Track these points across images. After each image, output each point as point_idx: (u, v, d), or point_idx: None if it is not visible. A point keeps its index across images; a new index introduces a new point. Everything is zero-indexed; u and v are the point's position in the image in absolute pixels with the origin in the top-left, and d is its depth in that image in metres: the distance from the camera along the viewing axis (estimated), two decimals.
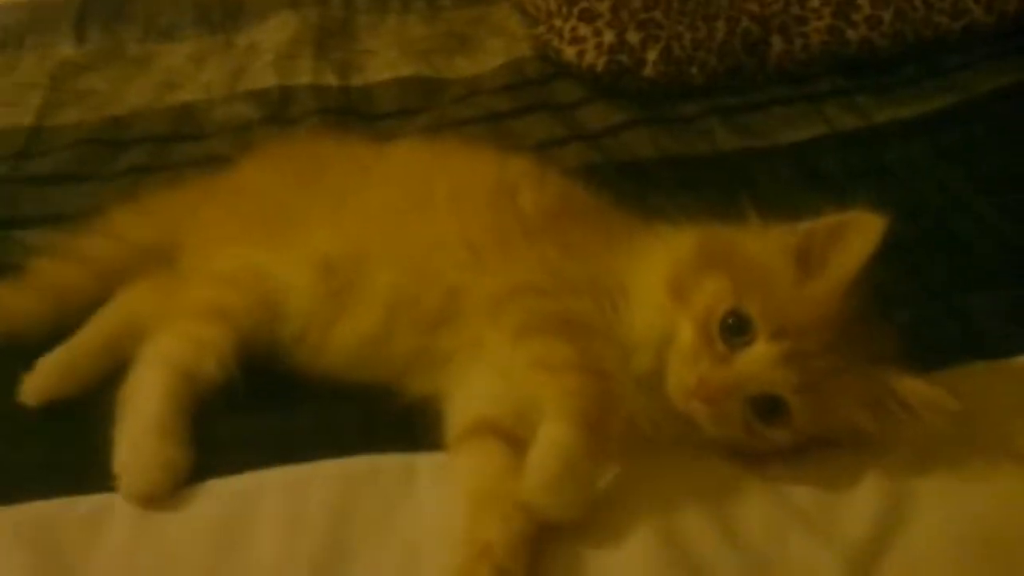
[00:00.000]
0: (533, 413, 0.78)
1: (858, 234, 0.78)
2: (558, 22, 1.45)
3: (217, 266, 0.95)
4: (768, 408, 0.77)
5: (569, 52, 1.42)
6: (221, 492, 0.80)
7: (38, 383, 0.89)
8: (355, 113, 1.43)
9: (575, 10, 1.44)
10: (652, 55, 1.36)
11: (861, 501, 0.76)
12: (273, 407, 0.87)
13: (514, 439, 0.80)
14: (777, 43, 1.37)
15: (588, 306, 0.82)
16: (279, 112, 1.43)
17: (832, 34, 1.37)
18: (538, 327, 0.81)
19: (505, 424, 0.82)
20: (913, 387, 0.77)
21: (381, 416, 0.86)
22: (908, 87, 1.34)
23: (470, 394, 0.84)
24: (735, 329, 0.77)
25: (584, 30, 1.41)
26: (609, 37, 1.39)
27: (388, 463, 0.82)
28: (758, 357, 0.76)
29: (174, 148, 1.35)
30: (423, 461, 0.82)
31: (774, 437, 0.77)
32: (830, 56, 1.38)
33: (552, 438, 0.74)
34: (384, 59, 1.56)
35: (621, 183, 1.12)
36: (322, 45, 1.59)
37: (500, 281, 0.85)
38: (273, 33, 1.63)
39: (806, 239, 0.80)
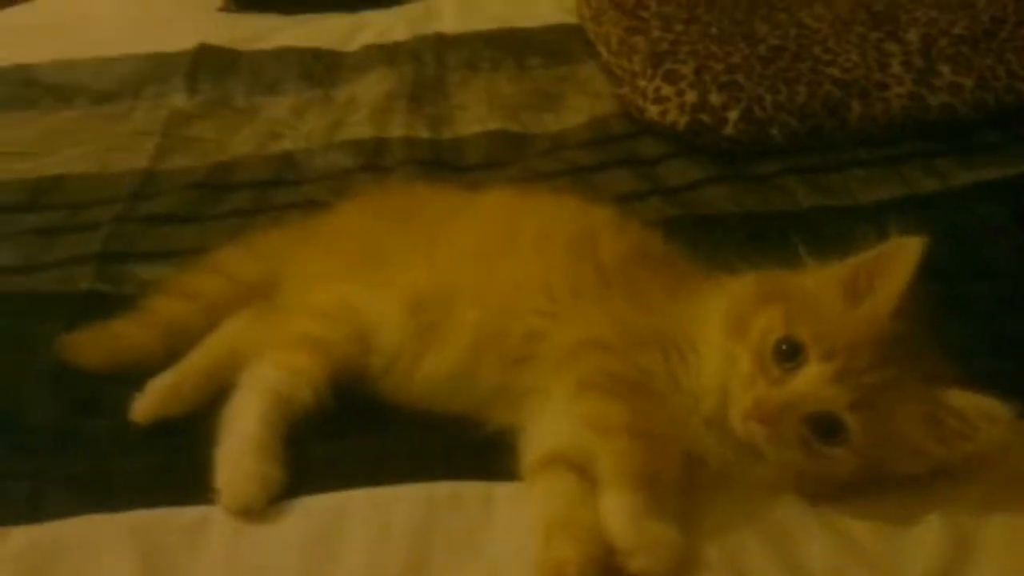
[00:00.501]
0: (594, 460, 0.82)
1: (899, 258, 0.82)
2: (642, 82, 1.50)
3: (314, 300, 1.01)
4: (825, 427, 0.80)
5: (652, 111, 1.47)
6: (312, 509, 0.85)
7: (147, 403, 0.96)
8: (445, 164, 1.49)
9: (659, 72, 1.49)
10: (733, 115, 1.40)
11: (924, 543, 0.78)
12: (362, 432, 0.92)
13: (584, 471, 0.83)
14: (857, 107, 1.40)
15: (654, 359, 0.86)
16: (374, 161, 1.50)
17: (913, 99, 1.39)
18: (596, 385, 0.86)
19: (575, 459, 0.85)
20: (965, 399, 0.80)
21: (463, 445, 0.90)
22: (988, 152, 1.35)
23: (544, 429, 0.88)
24: (788, 354, 0.81)
25: (667, 90, 1.46)
26: (692, 97, 1.43)
27: (469, 490, 0.86)
28: (810, 376, 0.80)
29: (275, 193, 1.43)
30: (501, 489, 0.86)
31: (833, 456, 0.80)
32: (911, 120, 1.40)
33: (608, 507, 0.78)
34: (474, 114, 1.62)
35: (699, 236, 1.15)
36: (416, 100, 1.67)
37: (570, 334, 0.90)
38: (370, 88, 1.72)
39: (853, 270, 0.84)
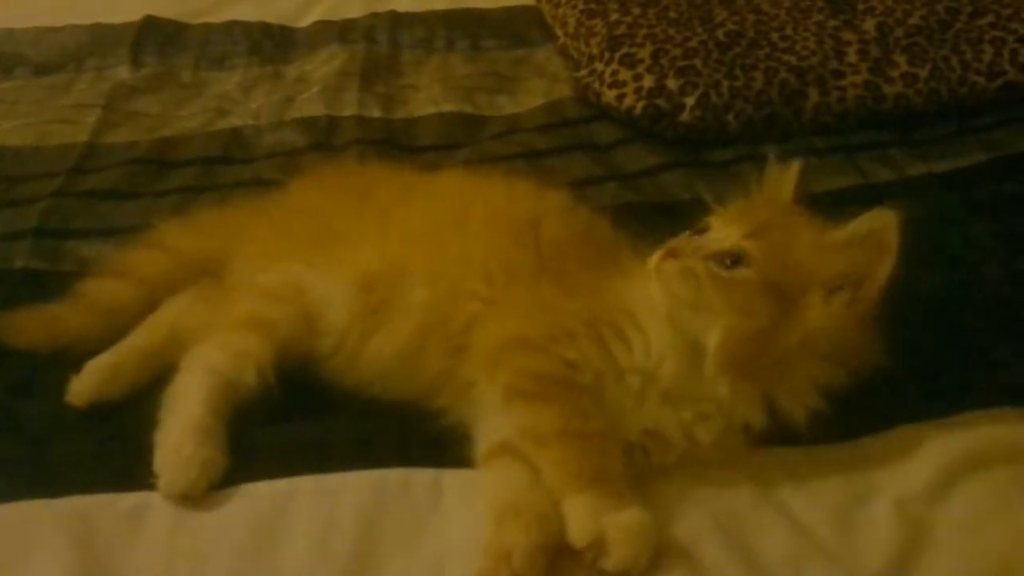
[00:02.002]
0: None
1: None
2: (599, 66, 1.49)
3: (261, 280, 0.99)
4: (729, 259, 0.84)
5: (609, 95, 1.45)
6: (255, 495, 0.83)
7: (85, 385, 0.92)
8: (397, 145, 1.46)
9: (617, 55, 1.47)
10: (690, 101, 1.39)
11: (878, 533, 0.77)
12: (309, 418, 0.90)
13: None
14: (813, 95, 1.39)
15: (585, 349, 0.86)
16: (325, 140, 1.47)
17: (868, 89, 1.39)
18: (524, 392, 0.85)
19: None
20: (857, 220, 0.86)
21: (413, 432, 0.88)
22: (943, 143, 1.35)
23: (493, 419, 0.87)
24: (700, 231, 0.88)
25: (625, 75, 1.45)
26: (649, 82, 1.42)
27: (418, 477, 0.84)
28: (712, 234, 0.87)
29: (222, 170, 1.39)
30: (451, 477, 0.84)
31: (740, 276, 0.84)
32: (866, 110, 1.40)
33: (567, 513, 0.77)
34: (427, 95, 1.60)
35: (654, 222, 1.14)
36: (368, 78, 1.63)
37: (495, 332, 0.89)
38: (321, 65, 1.68)
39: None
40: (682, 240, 0.88)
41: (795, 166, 0.92)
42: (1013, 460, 0.82)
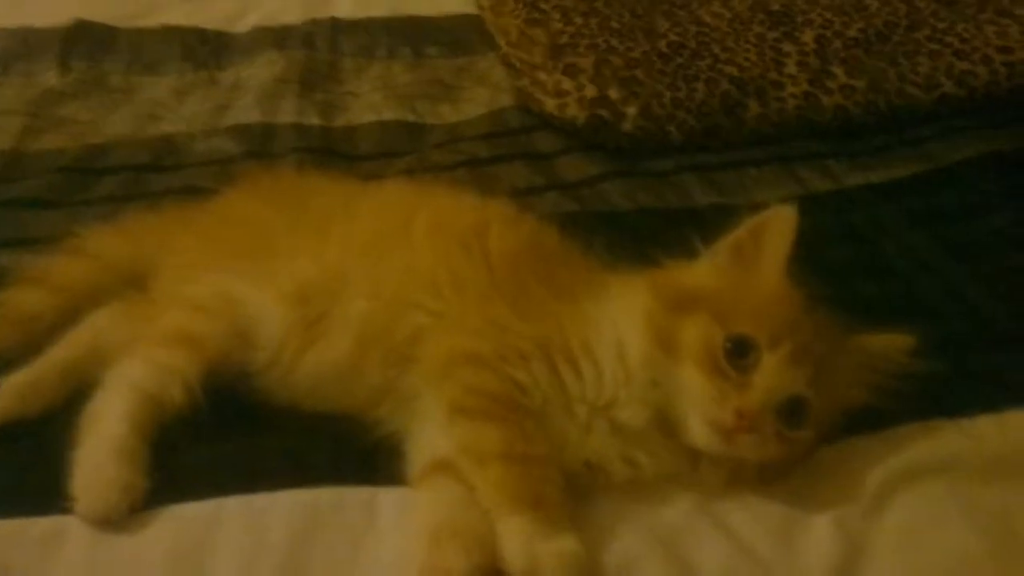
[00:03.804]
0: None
1: (777, 224, 0.85)
2: (542, 75, 1.48)
3: (190, 292, 0.95)
4: (793, 411, 0.80)
5: (551, 104, 1.44)
6: (179, 518, 0.79)
7: (1, 402, 0.88)
8: (336, 153, 1.44)
9: (559, 65, 1.46)
10: (632, 111, 1.38)
11: (816, 545, 0.77)
12: (238, 435, 0.87)
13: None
14: (754, 106, 1.40)
15: (535, 372, 0.84)
16: (260, 148, 1.43)
17: (807, 100, 1.40)
18: (468, 409, 0.83)
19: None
20: (873, 340, 0.86)
21: (347, 449, 0.86)
22: (880, 154, 1.36)
23: (431, 435, 0.84)
24: (738, 352, 0.80)
25: (567, 84, 1.44)
26: (591, 92, 1.41)
27: (352, 496, 0.81)
28: (774, 366, 0.79)
29: (152, 178, 1.35)
30: (387, 496, 0.82)
31: (804, 437, 0.81)
32: (805, 121, 1.40)
33: (502, 534, 0.75)
34: (367, 102, 1.57)
35: (596, 232, 1.13)
36: (307, 85, 1.60)
37: (444, 344, 0.87)
38: (258, 71, 1.64)
39: (735, 249, 0.86)
40: (745, 397, 0.78)
41: (791, 214, 0.86)
42: (947, 471, 0.82)
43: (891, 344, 0.86)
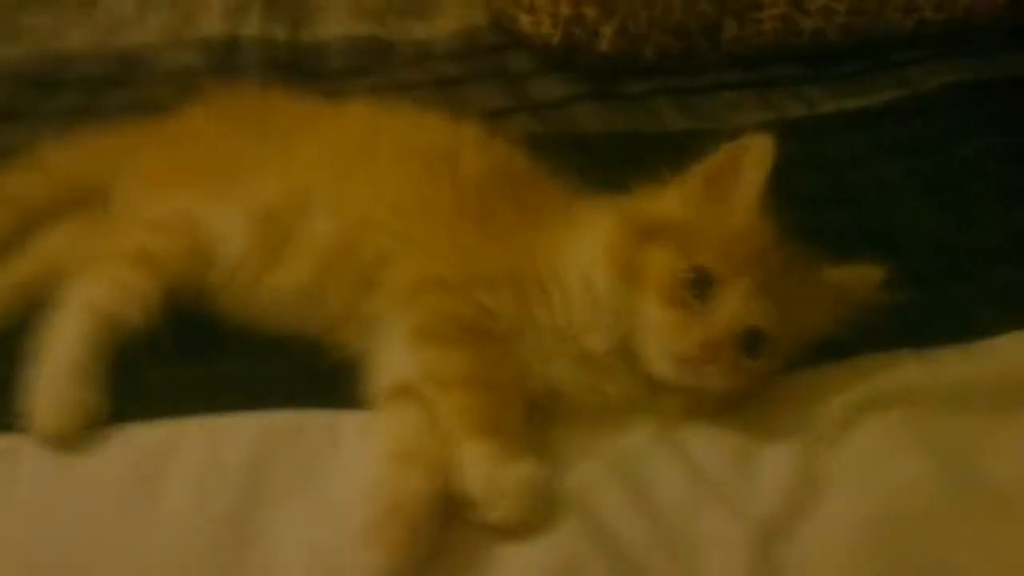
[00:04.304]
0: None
1: (752, 155, 0.83)
2: None
3: (151, 210, 0.93)
4: (753, 342, 0.79)
5: (525, 21, 1.41)
6: (135, 438, 0.79)
7: None
8: (302, 69, 1.41)
9: None
10: (607, 30, 1.35)
11: (773, 477, 0.77)
12: (197, 356, 0.86)
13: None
14: (731, 27, 1.37)
15: (502, 298, 0.83)
16: (224, 62, 1.40)
17: (785, 22, 1.37)
18: (433, 332, 0.82)
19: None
20: (841, 272, 0.85)
21: (309, 372, 0.85)
22: (856, 80, 1.34)
23: (393, 359, 0.83)
24: (699, 284, 0.79)
25: (541, 1, 1.40)
26: (566, 9, 1.37)
27: (312, 420, 0.81)
28: (735, 298, 0.79)
29: (113, 92, 1.32)
30: (348, 419, 0.81)
31: (763, 367, 0.80)
32: (782, 44, 1.38)
33: (461, 461, 0.75)
34: (336, 15, 1.53)
35: (566, 156, 1.11)
36: None
37: (410, 268, 0.85)
38: None
39: (707, 179, 0.84)
40: (709, 328, 0.78)
41: (766, 143, 0.83)
42: (908, 402, 0.82)
43: (859, 277, 0.85)
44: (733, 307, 0.78)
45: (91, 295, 0.86)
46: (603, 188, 0.93)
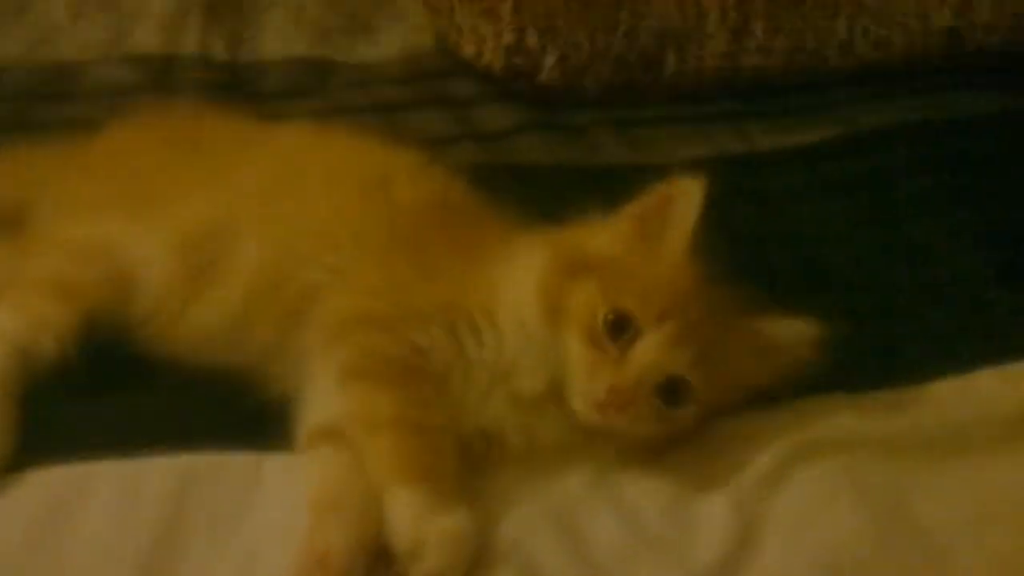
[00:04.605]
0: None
1: (682, 199, 0.82)
2: (459, 17, 1.42)
3: (68, 235, 0.90)
4: (673, 390, 0.78)
5: (468, 48, 1.40)
6: (45, 482, 0.75)
7: None
8: (241, 89, 1.37)
9: (477, 7, 1.41)
10: (550, 60, 1.34)
11: (710, 526, 0.76)
12: (114, 393, 0.83)
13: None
14: (672, 61, 1.37)
15: (434, 336, 0.81)
16: (160, 80, 1.37)
17: (726, 58, 1.38)
18: (362, 372, 0.79)
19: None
20: (778, 325, 0.83)
21: (232, 411, 0.82)
22: (795, 116, 1.34)
23: (321, 398, 0.81)
24: (619, 328, 0.78)
25: (485, 29, 1.39)
26: (508, 38, 1.36)
27: (234, 462, 0.78)
28: (652, 345, 0.77)
29: (40, 107, 1.28)
30: (271, 462, 0.78)
31: (685, 416, 0.79)
32: (723, 79, 1.38)
33: (387, 507, 0.72)
34: (278, 35, 1.50)
35: (509, 186, 1.10)
36: (213, 13, 1.51)
37: (339, 304, 0.83)
38: None
39: (639, 220, 0.83)
40: (619, 374, 0.76)
41: (697, 186, 0.82)
42: (843, 448, 0.81)
43: (796, 331, 0.83)
44: (649, 355, 0.77)
45: (3, 326, 0.82)
46: (545, 220, 0.91)
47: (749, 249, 1.07)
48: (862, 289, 1.05)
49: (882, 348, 0.95)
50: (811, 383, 0.86)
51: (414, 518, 0.71)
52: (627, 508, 0.77)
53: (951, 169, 1.21)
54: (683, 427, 0.80)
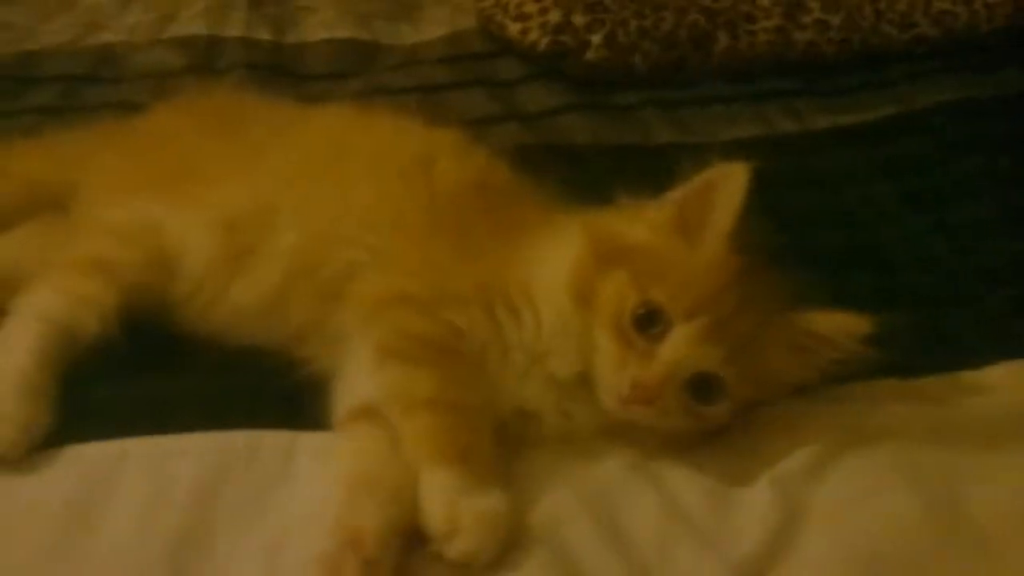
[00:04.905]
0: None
1: (725, 187, 0.77)
2: None
3: (111, 217, 0.90)
4: (704, 386, 0.75)
5: (513, 28, 1.38)
6: (82, 459, 0.75)
7: None
8: (284, 71, 1.38)
9: None
10: (596, 39, 1.32)
11: (752, 514, 0.73)
12: (153, 371, 0.82)
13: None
14: (723, 38, 1.34)
15: (472, 317, 0.79)
16: (205, 63, 1.38)
17: (779, 34, 1.35)
18: (399, 351, 0.78)
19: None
20: (823, 319, 0.78)
21: (268, 389, 0.81)
22: (850, 95, 1.31)
23: (358, 378, 0.80)
24: (648, 321, 0.75)
25: (530, 7, 1.38)
26: (555, 16, 1.35)
27: (268, 440, 0.77)
28: (680, 341, 0.74)
29: (88, 90, 1.30)
30: (306, 441, 0.78)
31: (717, 413, 0.77)
32: (775, 57, 1.35)
33: (422, 488, 0.71)
34: (321, 18, 1.50)
35: (553, 167, 1.08)
36: None
37: (378, 284, 0.82)
38: None
39: (679, 208, 0.79)
40: (645, 369, 0.74)
41: (740, 171, 0.77)
42: (893, 435, 0.78)
43: (842, 326, 0.78)
44: (679, 351, 0.74)
45: (44, 305, 0.82)
46: (589, 200, 0.89)
47: (800, 230, 1.04)
48: (915, 271, 1.01)
49: (936, 332, 0.92)
50: (862, 368, 0.83)
51: (449, 499, 0.70)
52: (666, 493, 0.75)
53: (1006, 149, 1.17)
54: (716, 422, 0.77)
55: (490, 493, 0.71)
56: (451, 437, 0.73)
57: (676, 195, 0.80)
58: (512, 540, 0.70)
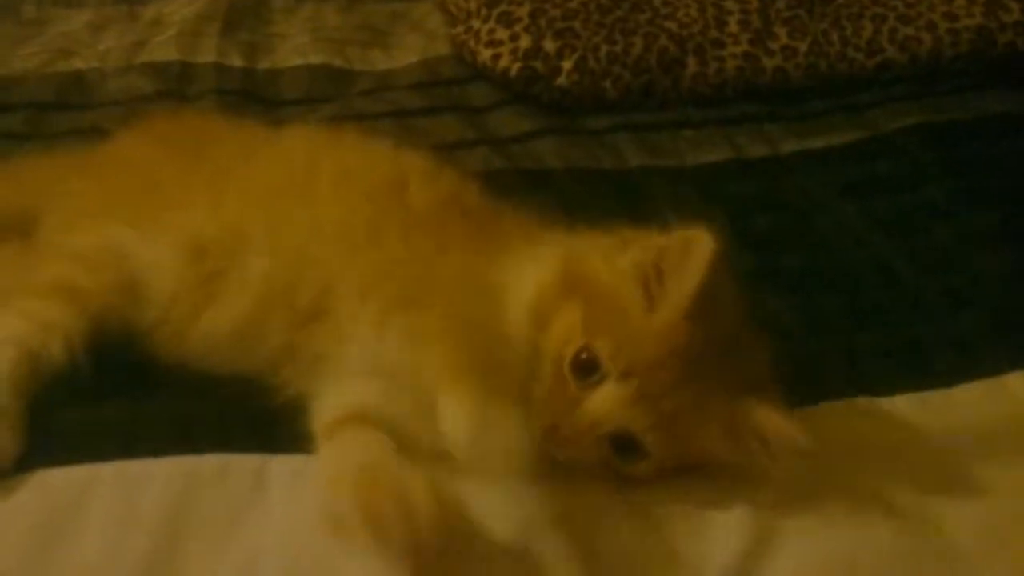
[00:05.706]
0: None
1: (688, 256, 0.74)
2: (476, 23, 1.42)
3: (76, 241, 0.89)
4: (626, 445, 0.74)
5: (485, 54, 1.39)
6: (48, 484, 0.74)
7: None
8: (257, 97, 1.38)
9: (494, 13, 1.41)
10: (567, 64, 1.34)
11: (727, 536, 0.73)
12: (121, 396, 0.81)
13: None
14: (692, 64, 1.36)
15: (460, 301, 0.78)
16: (177, 88, 1.37)
17: (748, 60, 1.36)
18: (406, 300, 0.77)
19: (377, 417, 0.77)
20: (769, 419, 0.74)
21: (237, 413, 0.80)
22: (818, 119, 1.33)
23: (342, 390, 0.79)
24: (586, 368, 0.74)
25: (501, 34, 1.39)
26: (525, 43, 1.36)
27: (237, 464, 0.76)
28: (608, 399, 0.73)
29: (56, 117, 1.29)
30: (277, 464, 0.77)
31: (636, 471, 0.75)
32: (744, 82, 1.37)
33: (445, 408, 0.68)
34: (294, 44, 1.51)
35: (524, 191, 1.09)
36: (231, 24, 1.53)
37: (370, 268, 0.81)
38: (181, 7, 1.57)
39: (642, 268, 0.76)
40: (566, 415, 0.73)
41: (706, 242, 0.73)
42: (864, 455, 0.79)
43: (782, 433, 0.73)
44: (602, 407, 0.73)
45: (10, 331, 0.81)
46: (561, 225, 0.89)
47: (769, 253, 1.05)
48: (884, 293, 1.02)
49: (905, 353, 0.93)
50: (833, 386, 0.84)
51: (472, 411, 0.67)
52: (643, 516, 0.75)
53: (974, 171, 1.18)
54: (636, 476, 0.76)
55: (510, 410, 0.68)
56: (471, 354, 0.71)
57: (641, 246, 0.78)
58: (484, 558, 0.69)
